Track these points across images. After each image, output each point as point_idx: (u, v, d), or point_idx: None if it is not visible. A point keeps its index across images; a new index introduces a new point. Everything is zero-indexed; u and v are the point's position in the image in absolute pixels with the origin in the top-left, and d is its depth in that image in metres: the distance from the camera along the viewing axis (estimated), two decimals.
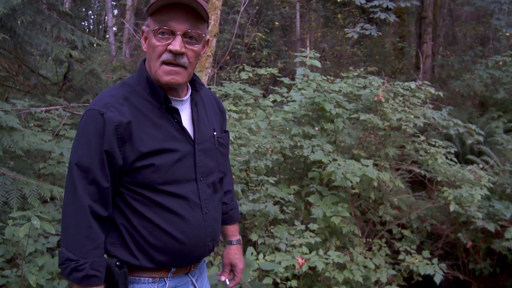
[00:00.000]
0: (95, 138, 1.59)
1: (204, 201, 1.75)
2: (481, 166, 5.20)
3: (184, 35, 1.63)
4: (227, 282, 2.05)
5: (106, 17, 18.91)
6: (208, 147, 1.80)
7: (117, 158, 1.60)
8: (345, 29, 9.51)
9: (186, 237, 1.69)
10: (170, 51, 1.62)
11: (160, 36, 1.62)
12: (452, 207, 4.36)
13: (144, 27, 1.70)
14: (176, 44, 1.62)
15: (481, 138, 5.37)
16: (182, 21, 1.61)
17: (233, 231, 2.12)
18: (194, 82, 1.82)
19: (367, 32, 8.15)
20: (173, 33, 1.62)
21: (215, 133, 1.85)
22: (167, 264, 1.70)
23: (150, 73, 1.69)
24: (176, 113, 1.71)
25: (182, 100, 1.76)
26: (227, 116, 2.11)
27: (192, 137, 1.74)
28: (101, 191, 1.61)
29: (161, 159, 1.64)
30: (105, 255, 1.70)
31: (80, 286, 1.59)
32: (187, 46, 1.64)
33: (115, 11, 23.63)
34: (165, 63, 1.64)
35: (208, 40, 1.77)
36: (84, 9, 25.74)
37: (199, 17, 1.64)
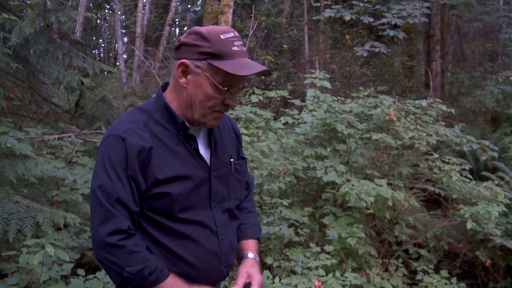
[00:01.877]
0: (120, 164, 1.58)
1: (220, 227, 1.74)
2: (496, 182, 5.13)
3: None
4: None
5: (116, 45, 19.17)
6: (224, 174, 1.79)
7: (141, 182, 1.60)
8: (355, 48, 9.56)
9: (201, 263, 1.69)
10: (227, 105, 1.66)
11: (219, 88, 1.62)
12: (469, 225, 4.29)
13: (189, 63, 1.63)
14: (234, 101, 1.67)
15: (495, 154, 5.31)
16: (241, 79, 1.65)
17: (248, 245, 1.98)
18: None
19: (377, 50, 8.20)
20: (232, 87, 1.64)
21: (232, 159, 1.84)
22: None
23: (181, 109, 1.69)
24: (193, 140, 1.70)
25: (200, 127, 1.76)
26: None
27: (209, 163, 1.74)
28: (131, 214, 1.60)
29: (177, 186, 1.63)
30: None
31: (161, 284, 1.60)
32: None
33: (125, 39, 23.98)
34: (217, 111, 1.67)
35: None
36: (94, 38, 26.15)
37: None
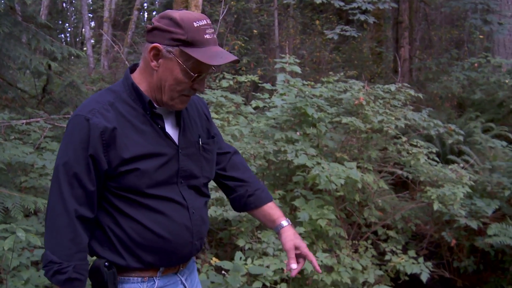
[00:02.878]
0: (81, 143, 1.61)
1: (190, 201, 1.78)
2: (461, 165, 5.26)
3: None
4: (294, 266, 1.91)
5: (83, 30, 18.78)
6: (192, 152, 1.82)
7: (102, 162, 1.62)
8: (325, 31, 9.61)
9: (173, 237, 1.72)
10: (195, 90, 1.71)
11: (189, 74, 1.65)
12: (435, 206, 4.40)
13: (162, 48, 1.64)
14: (203, 86, 1.72)
15: (461, 138, 5.45)
16: (211, 66, 1.68)
17: (274, 211, 2.03)
18: None
19: (347, 33, 8.27)
20: (201, 73, 1.68)
21: (200, 138, 1.86)
22: (155, 264, 1.73)
23: (150, 91, 1.71)
24: (160, 119, 1.73)
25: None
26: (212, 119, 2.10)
27: (177, 142, 1.76)
28: (87, 194, 1.63)
29: (144, 164, 1.66)
30: (94, 257, 1.73)
31: None
32: None
33: (92, 23, 23.50)
34: (184, 95, 1.71)
35: None
36: (60, 22, 25.54)
37: None
